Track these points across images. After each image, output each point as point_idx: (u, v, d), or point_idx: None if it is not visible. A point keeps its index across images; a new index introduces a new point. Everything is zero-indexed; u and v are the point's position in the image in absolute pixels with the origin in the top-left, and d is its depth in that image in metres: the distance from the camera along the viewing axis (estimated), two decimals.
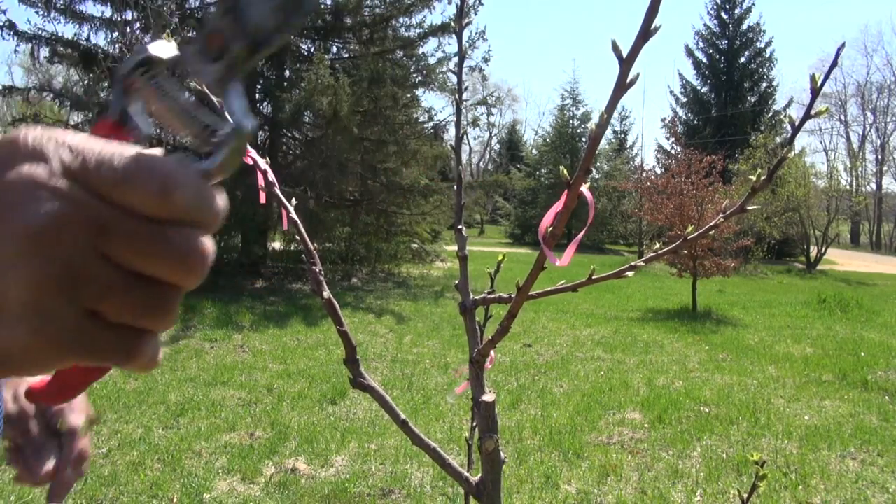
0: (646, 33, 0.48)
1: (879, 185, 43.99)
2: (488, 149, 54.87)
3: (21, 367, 0.31)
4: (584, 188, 0.58)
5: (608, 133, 34.94)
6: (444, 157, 13.53)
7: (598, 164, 29.71)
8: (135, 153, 0.31)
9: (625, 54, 0.50)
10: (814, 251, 21.79)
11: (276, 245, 13.93)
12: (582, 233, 0.63)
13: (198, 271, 0.32)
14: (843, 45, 0.59)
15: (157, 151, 0.33)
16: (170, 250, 0.31)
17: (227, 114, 0.36)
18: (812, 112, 0.64)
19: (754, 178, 0.68)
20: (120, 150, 0.31)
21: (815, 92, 0.61)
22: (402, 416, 0.95)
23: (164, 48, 0.38)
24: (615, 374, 6.02)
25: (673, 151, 25.06)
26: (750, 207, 0.71)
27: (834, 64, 0.58)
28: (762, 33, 30.84)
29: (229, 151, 0.36)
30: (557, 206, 0.60)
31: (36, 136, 0.31)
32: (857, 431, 4.56)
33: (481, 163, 54.68)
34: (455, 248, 1.12)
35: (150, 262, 0.31)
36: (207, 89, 0.39)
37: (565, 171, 0.58)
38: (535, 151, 34.56)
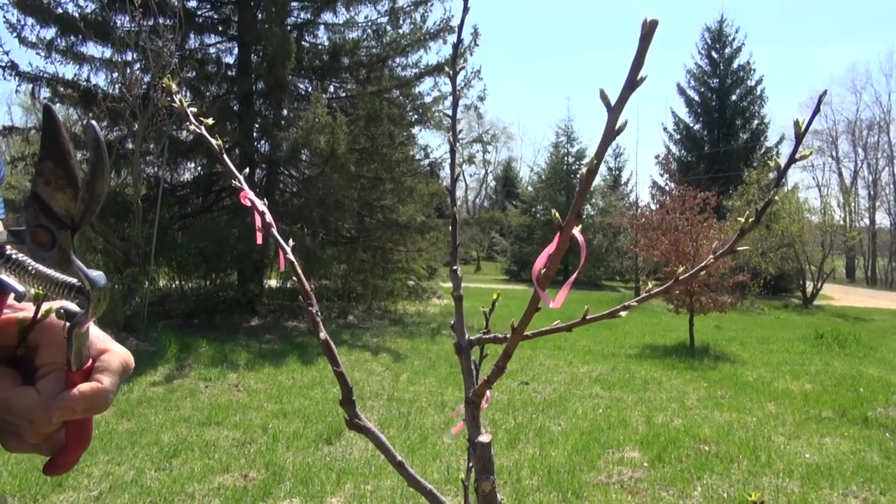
0: (632, 83, 0.50)
1: (873, 221, 44.36)
2: (484, 186, 55.27)
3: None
4: (576, 231, 0.60)
5: (603, 170, 35.22)
6: (440, 195, 13.64)
7: (594, 200, 29.94)
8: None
9: (613, 102, 0.52)
10: (810, 286, 21.84)
11: (273, 282, 13.91)
12: (574, 276, 0.64)
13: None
14: (825, 93, 0.61)
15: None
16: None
17: (81, 274, 0.50)
18: (797, 156, 0.65)
19: (743, 219, 0.69)
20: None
21: (799, 137, 0.63)
22: (399, 457, 0.95)
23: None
24: (614, 412, 5.97)
25: (667, 188, 25.28)
26: (740, 248, 0.72)
27: (816, 111, 0.60)
28: (752, 72, 31.41)
29: (95, 303, 0.51)
30: (550, 248, 0.61)
31: None
32: (859, 469, 4.52)
33: (477, 199, 55.01)
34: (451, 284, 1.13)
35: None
36: (55, 268, 0.52)
37: (557, 215, 0.60)
38: (530, 188, 34.81)
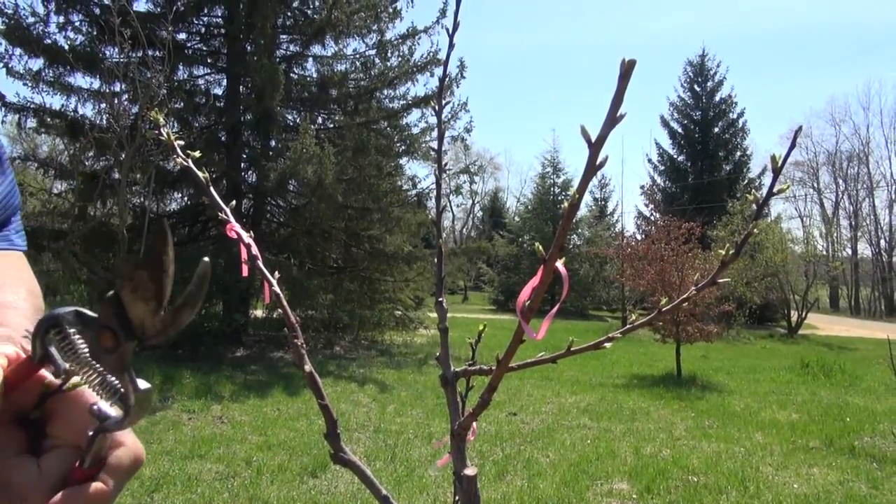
0: (612, 120, 0.51)
1: (855, 251, 44.89)
2: (471, 216, 55.53)
3: None
4: (559, 264, 0.60)
5: (589, 200, 35.54)
6: (427, 225, 13.66)
7: (580, 230, 30.12)
8: None
9: (593, 138, 0.53)
10: (794, 316, 21.98)
11: (258, 313, 13.81)
12: (556, 308, 0.65)
13: None
14: (800, 128, 0.63)
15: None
16: None
17: (130, 387, 0.49)
18: (775, 190, 0.67)
19: (723, 252, 0.71)
20: None
21: (777, 171, 0.65)
22: (384, 491, 0.94)
23: (66, 311, 0.49)
24: (602, 443, 5.93)
25: (652, 218, 25.53)
26: (720, 280, 0.73)
27: (792, 145, 0.62)
28: (734, 105, 32.03)
29: (133, 418, 0.50)
30: (534, 281, 0.62)
31: None
32: (847, 500, 4.50)
33: (464, 229, 55.20)
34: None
35: None
36: (108, 371, 0.50)
37: (540, 248, 0.60)
38: (517, 218, 34.98)
